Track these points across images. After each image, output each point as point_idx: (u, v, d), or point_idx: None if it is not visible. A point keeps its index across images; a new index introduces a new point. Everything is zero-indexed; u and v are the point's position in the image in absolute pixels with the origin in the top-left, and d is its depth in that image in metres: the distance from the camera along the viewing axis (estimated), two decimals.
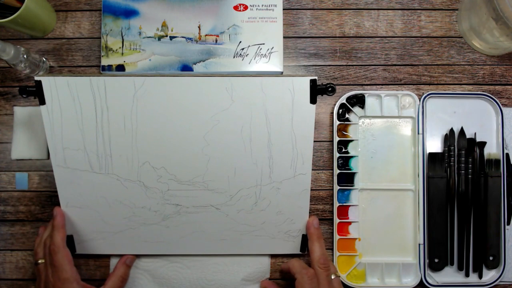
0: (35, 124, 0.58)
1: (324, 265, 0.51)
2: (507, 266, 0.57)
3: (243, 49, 0.57)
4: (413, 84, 0.60)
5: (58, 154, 0.51)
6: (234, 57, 0.57)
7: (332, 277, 0.51)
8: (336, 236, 0.57)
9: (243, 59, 0.57)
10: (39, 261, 0.51)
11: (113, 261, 0.58)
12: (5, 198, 0.59)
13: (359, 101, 0.58)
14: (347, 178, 0.58)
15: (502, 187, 0.57)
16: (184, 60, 0.57)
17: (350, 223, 0.58)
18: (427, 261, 0.57)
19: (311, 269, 0.51)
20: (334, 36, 0.61)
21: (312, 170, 0.56)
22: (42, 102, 0.49)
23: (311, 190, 0.55)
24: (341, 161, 0.58)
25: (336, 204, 0.57)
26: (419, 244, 0.57)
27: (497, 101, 0.58)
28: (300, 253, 0.57)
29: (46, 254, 0.50)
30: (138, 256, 0.58)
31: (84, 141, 0.51)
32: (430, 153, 0.58)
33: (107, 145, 0.51)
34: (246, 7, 0.58)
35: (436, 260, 0.57)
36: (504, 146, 0.58)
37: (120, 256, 0.57)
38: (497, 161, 0.57)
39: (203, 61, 0.57)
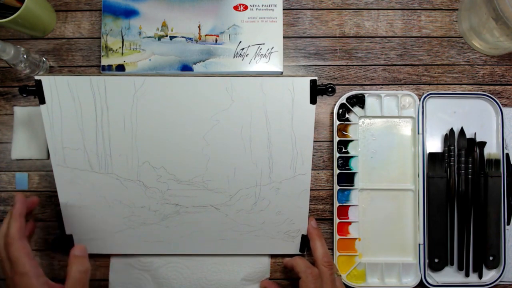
0: (35, 124, 0.58)
1: (328, 263, 0.51)
2: (507, 266, 0.57)
3: (243, 49, 0.57)
4: (413, 84, 0.60)
5: (58, 153, 0.51)
6: (234, 57, 0.57)
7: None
8: (336, 236, 0.57)
9: (243, 59, 0.57)
10: None
11: (113, 261, 0.58)
12: (5, 198, 0.59)
13: (359, 101, 0.58)
14: (347, 178, 0.58)
15: (502, 187, 0.57)
16: (184, 60, 0.57)
17: (350, 223, 0.58)
18: (427, 261, 0.57)
19: (315, 268, 0.51)
20: (334, 36, 0.61)
21: (312, 170, 0.56)
22: (42, 101, 0.49)
23: (311, 190, 0.56)
24: (341, 161, 0.58)
25: (336, 204, 0.57)
26: (419, 244, 0.57)
27: (497, 101, 0.58)
28: (300, 253, 0.57)
29: (1, 247, 0.45)
30: (138, 256, 0.57)
31: (84, 141, 0.51)
32: (430, 153, 0.58)
33: (106, 145, 0.51)
34: (246, 7, 0.58)
35: (436, 260, 0.57)
36: (504, 146, 0.58)
37: (120, 255, 0.57)
38: (497, 161, 0.57)
39: (203, 61, 0.57)
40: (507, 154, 0.58)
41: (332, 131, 0.58)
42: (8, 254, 0.44)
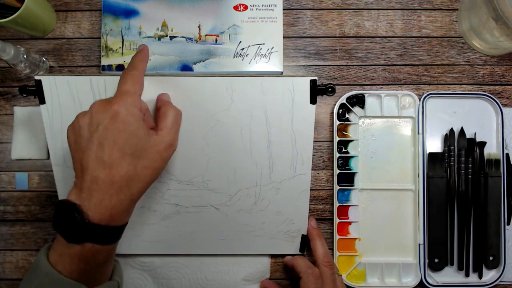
0: (35, 124, 0.58)
1: (329, 263, 0.51)
2: (507, 266, 0.57)
3: (243, 49, 0.57)
4: (413, 84, 0.60)
5: (58, 153, 0.51)
6: (234, 57, 0.57)
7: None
8: (336, 236, 0.57)
9: (243, 59, 0.57)
10: None
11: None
12: (5, 198, 0.59)
13: (359, 101, 0.58)
14: (347, 178, 0.58)
15: (502, 187, 0.57)
16: (184, 60, 0.57)
17: (350, 223, 0.58)
18: (427, 261, 0.57)
19: (316, 268, 0.51)
20: (334, 36, 0.61)
21: (312, 170, 0.56)
22: (42, 101, 0.49)
23: (311, 190, 0.56)
24: (341, 161, 0.58)
25: (336, 204, 0.57)
26: (419, 244, 0.57)
27: (497, 101, 0.58)
28: (300, 253, 0.57)
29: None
30: (138, 256, 0.57)
31: None
32: (430, 153, 0.58)
33: None
34: (246, 7, 0.58)
35: (436, 260, 0.57)
36: (504, 146, 0.58)
37: (120, 255, 0.57)
38: (497, 161, 0.57)
39: (203, 61, 0.57)
40: (507, 154, 0.58)
41: (332, 131, 0.58)
42: (126, 69, 0.41)
